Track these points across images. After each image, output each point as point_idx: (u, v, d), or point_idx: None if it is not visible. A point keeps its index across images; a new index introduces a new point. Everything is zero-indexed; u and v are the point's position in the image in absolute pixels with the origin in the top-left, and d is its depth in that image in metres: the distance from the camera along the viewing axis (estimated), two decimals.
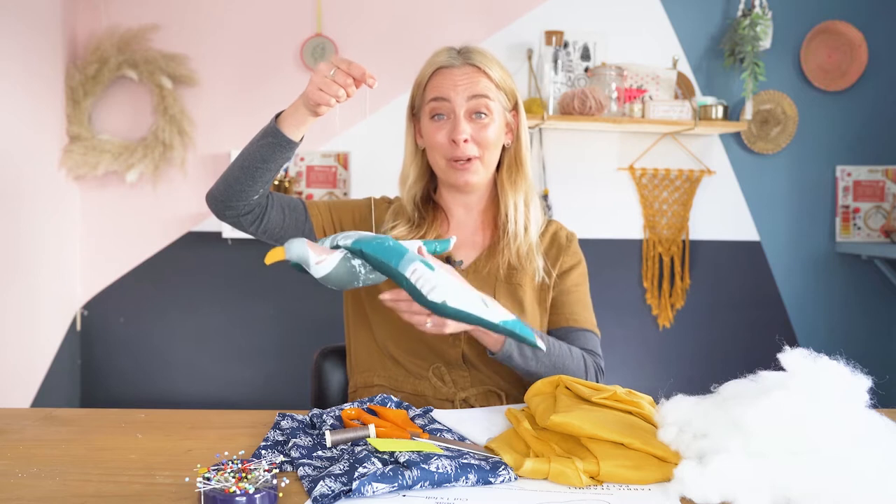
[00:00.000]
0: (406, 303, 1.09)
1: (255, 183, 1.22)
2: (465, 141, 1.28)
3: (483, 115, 1.29)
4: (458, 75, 1.29)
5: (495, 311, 1.03)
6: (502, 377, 1.31)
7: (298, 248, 1.02)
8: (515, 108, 1.36)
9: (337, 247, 1.05)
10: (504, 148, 1.36)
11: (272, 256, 1.04)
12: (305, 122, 1.19)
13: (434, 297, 1.01)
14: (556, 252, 1.38)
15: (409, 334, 1.30)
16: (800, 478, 0.77)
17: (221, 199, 1.25)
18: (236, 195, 1.23)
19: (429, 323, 1.10)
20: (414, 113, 1.37)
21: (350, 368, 1.42)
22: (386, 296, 1.07)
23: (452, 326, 1.11)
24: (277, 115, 1.21)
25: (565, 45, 2.86)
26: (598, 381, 1.28)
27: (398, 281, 1.03)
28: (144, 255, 2.85)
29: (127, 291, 2.84)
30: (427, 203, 1.40)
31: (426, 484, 0.82)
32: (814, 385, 0.83)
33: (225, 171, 1.25)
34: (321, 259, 1.03)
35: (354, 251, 1.05)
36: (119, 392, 2.85)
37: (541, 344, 1.04)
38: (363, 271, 1.05)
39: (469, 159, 1.29)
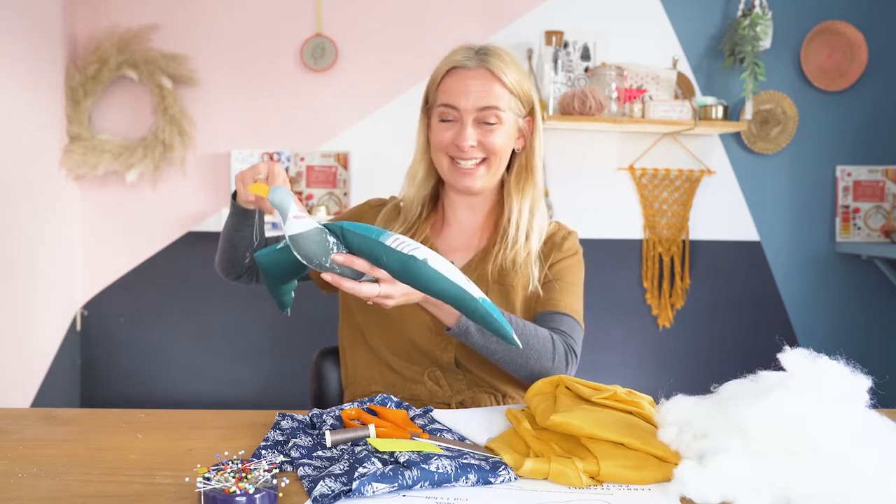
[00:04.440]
0: (349, 279, 1.04)
1: (237, 250, 1.32)
2: (471, 147, 1.27)
3: (492, 123, 1.28)
4: (471, 79, 1.27)
5: (475, 288, 1.01)
6: (497, 379, 1.31)
7: (282, 195, 1.00)
8: (531, 113, 1.34)
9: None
10: (515, 153, 1.35)
11: (256, 188, 1.02)
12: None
13: (417, 254, 0.98)
14: (549, 250, 1.36)
15: (403, 340, 1.30)
16: (800, 478, 0.77)
17: (221, 268, 1.37)
18: (229, 261, 1.34)
19: (377, 290, 1.05)
20: (427, 107, 1.36)
21: (346, 380, 1.41)
22: (328, 277, 1.04)
23: (399, 298, 1.08)
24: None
25: (565, 45, 2.86)
26: (567, 363, 1.23)
27: (376, 253, 1.00)
28: (144, 255, 2.85)
29: (127, 291, 2.84)
30: (430, 201, 1.39)
31: (426, 484, 0.82)
32: (814, 385, 0.83)
33: (219, 245, 1.36)
34: (301, 215, 1.00)
35: (334, 229, 1.03)
36: (119, 392, 2.85)
37: (517, 340, 1.01)
38: (335, 250, 1.02)
39: (475, 165, 1.29)
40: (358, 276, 1.05)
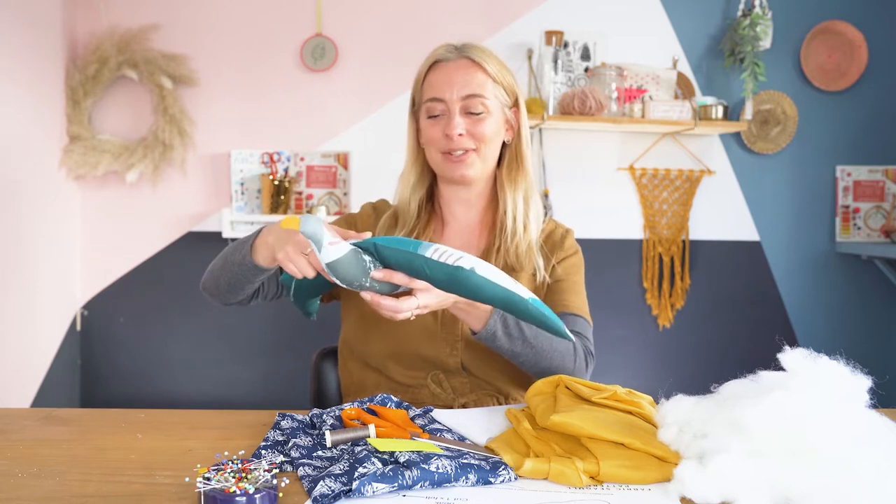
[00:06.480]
0: (388, 298, 1.05)
1: (243, 292, 1.29)
2: (460, 135, 1.28)
3: (479, 112, 1.29)
4: (454, 70, 1.29)
5: (523, 289, 1.00)
6: (501, 381, 1.30)
7: (313, 225, 0.97)
8: (516, 104, 1.35)
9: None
10: (505, 144, 1.36)
11: (287, 223, 0.99)
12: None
13: (463, 263, 0.96)
14: (550, 250, 1.37)
15: (408, 350, 1.29)
16: (800, 478, 0.77)
17: (215, 296, 1.34)
18: (226, 294, 1.31)
19: (416, 302, 1.04)
20: (415, 110, 1.36)
21: (345, 395, 1.41)
22: (367, 296, 1.04)
23: (434, 306, 1.08)
24: (252, 242, 1.20)
25: (565, 45, 2.86)
26: (587, 365, 1.27)
27: (416, 266, 0.98)
28: (144, 255, 2.85)
29: (127, 291, 2.84)
30: (427, 204, 1.39)
31: (426, 484, 0.82)
32: (814, 385, 0.83)
33: (213, 276, 1.30)
34: (335, 241, 0.98)
35: (366, 246, 1.01)
36: (119, 392, 2.85)
37: (570, 334, 1.02)
38: (372, 268, 1.01)
39: (465, 152, 1.29)
40: (393, 288, 1.04)
